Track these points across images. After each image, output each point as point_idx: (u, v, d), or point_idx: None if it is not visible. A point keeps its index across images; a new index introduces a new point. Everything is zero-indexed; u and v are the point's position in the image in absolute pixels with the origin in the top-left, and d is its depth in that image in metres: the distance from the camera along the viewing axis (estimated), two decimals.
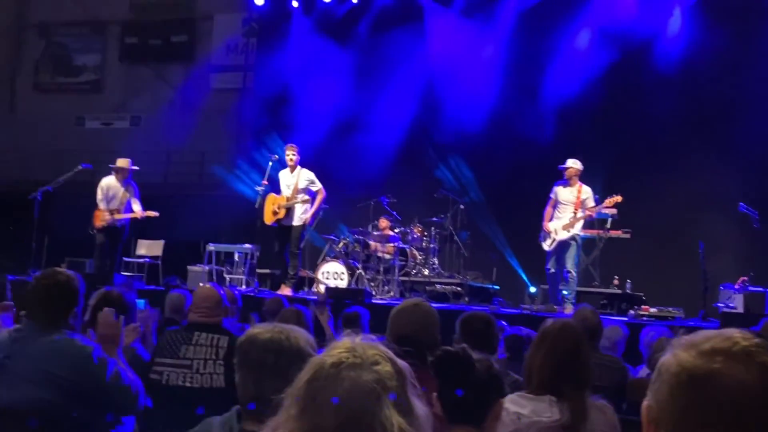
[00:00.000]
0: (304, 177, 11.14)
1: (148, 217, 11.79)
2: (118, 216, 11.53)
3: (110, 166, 11.90)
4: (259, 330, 2.55)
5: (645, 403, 1.43)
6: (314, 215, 11.47)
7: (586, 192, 10.22)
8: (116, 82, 21.35)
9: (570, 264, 10.16)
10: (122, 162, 11.79)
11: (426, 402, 1.63)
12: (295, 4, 16.58)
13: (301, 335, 2.52)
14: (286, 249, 11.08)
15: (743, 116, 12.53)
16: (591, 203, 10.20)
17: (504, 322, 6.37)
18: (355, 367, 1.55)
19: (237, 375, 2.54)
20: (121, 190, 11.63)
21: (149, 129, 19.47)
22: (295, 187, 11.05)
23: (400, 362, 1.61)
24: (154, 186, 16.21)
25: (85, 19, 21.29)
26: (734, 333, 1.38)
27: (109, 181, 11.69)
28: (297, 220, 11.08)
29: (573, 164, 10.30)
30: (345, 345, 1.61)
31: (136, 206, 11.73)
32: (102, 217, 11.52)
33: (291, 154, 11.13)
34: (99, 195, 11.59)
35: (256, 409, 2.38)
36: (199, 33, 20.58)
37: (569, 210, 10.21)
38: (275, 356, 2.43)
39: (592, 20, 13.88)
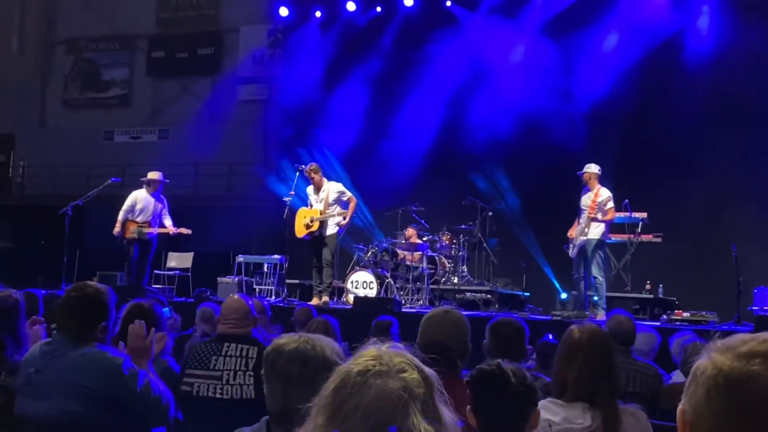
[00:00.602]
0: (334, 189, 11.12)
1: (180, 234, 11.85)
2: (147, 229, 11.59)
3: (142, 179, 11.98)
4: (286, 340, 2.54)
5: (680, 407, 1.40)
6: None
7: (602, 194, 10.10)
8: (144, 96, 21.58)
9: (595, 269, 10.06)
10: (154, 174, 11.86)
11: (454, 410, 1.61)
12: (318, 14, 16.63)
13: (328, 345, 2.50)
14: (322, 259, 11.08)
15: None
16: (609, 205, 10.07)
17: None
18: (382, 374, 1.54)
19: (264, 385, 2.54)
20: (152, 202, 11.69)
21: (177, 142, 19.63)
22: (326, 201, 11.01)
23: (427, 369, 1.59)
24: (184, 198, 16.33)
25: (113, 34, 21.56)
26: None
27: (139, 194, 11.76)
28: (330, 230, 11.06)
29: (587, 168, 10.29)
30: (371, 353, 1.60)
31: (168, 221, 11.79)
32: (132, 229, 11.57)
33: (313, 174, 11.10)
34: (126, 206, 11.60)
35: (284, 419, 2.36)
36: (225, 45, 20.76)
37: (586, 214, 10.15)
38: (302, 366, 2.42)
39: (621, 22, 13.76)
